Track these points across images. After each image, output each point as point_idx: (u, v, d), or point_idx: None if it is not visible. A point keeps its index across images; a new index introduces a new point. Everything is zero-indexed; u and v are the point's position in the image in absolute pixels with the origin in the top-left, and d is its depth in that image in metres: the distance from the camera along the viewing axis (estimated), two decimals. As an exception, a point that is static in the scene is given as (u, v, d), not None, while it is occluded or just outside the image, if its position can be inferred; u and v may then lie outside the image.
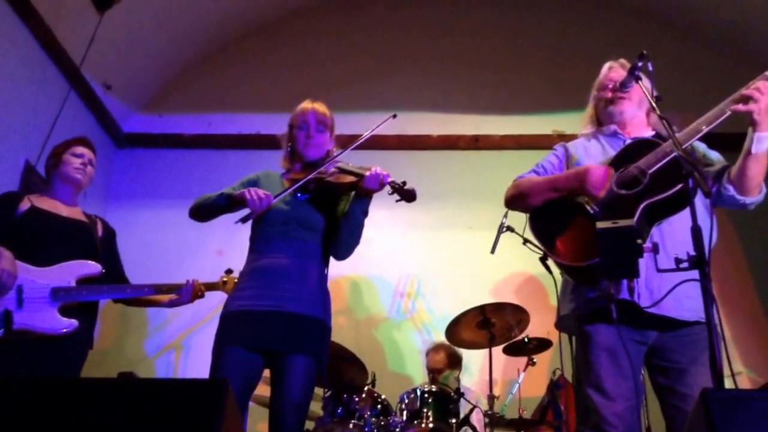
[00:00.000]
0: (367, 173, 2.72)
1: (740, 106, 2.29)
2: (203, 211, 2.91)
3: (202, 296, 3.22)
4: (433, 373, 4.49)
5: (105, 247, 3.26)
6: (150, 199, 5.59)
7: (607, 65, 2.80)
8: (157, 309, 5.13)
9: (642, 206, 2.33)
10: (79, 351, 3.12)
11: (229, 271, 3.23)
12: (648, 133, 2.69)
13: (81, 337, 3.07)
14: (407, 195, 2.71)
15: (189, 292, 3.15)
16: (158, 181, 5.69)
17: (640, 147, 2.49)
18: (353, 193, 2.85)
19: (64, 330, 2.93)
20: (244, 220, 2.74)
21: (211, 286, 3.21)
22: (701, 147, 2.64)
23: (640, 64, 2.43)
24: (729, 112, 2.31)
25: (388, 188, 2.72)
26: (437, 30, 6.05)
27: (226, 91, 5.96)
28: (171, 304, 3.25)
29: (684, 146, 2.27)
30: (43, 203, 3.16)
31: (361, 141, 2.90)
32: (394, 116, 2.95)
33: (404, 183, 2.72)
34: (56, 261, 3.02)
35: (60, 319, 2.93)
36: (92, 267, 3.08)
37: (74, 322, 2.95)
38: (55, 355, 2.94)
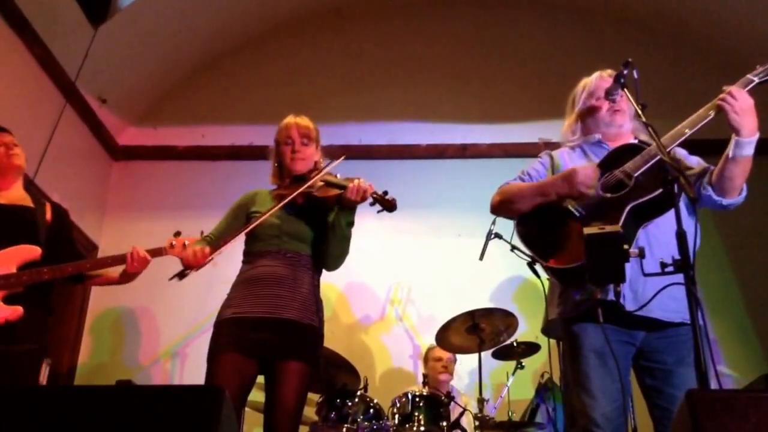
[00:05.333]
0: (350, 185, 2.76)
1: (721, 102, 2.35)
2: None
3: (144, 263, 3.09)
4: (432, 373, 4.49)
5: (54, 229, 3.15)
6: (145, 211, 5.62)
7: (597, 74, 2.79)
8: (149, 319, 5.26)
9: (628, 208, 2.35)
10: (28, 348, 2.98)
11: (177, 234, 3.08)
12: (630, 140, 2.70)
13: (28, 331, 2.94)
14: (388, 205, 2.75)
15: (133, 261, 3.04)
16: (153, 192, 5.73)
17: (624, 152, 2.50)
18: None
19: (6, 319, 2.80)
20: (180, 276, 2.79)
21: (157, 252, 3.04)
22: (681, 153, 2.67)
23: (625, 71, 2.46)
24: (711, 115, 2.36)
25: (369, 199, 2.76)
26: (425, 41, 6.12)
27: (218, 103, 6.01)
28: (123, 278, 3.17)
29: (668, 149, 2.30)
30: None
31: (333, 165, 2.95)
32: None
33: (385, 193, 2.75)
34: None
35: (2, 307, 2.81)
36: (31, 251, 2.95)
37: (18, 309, 2.81)
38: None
